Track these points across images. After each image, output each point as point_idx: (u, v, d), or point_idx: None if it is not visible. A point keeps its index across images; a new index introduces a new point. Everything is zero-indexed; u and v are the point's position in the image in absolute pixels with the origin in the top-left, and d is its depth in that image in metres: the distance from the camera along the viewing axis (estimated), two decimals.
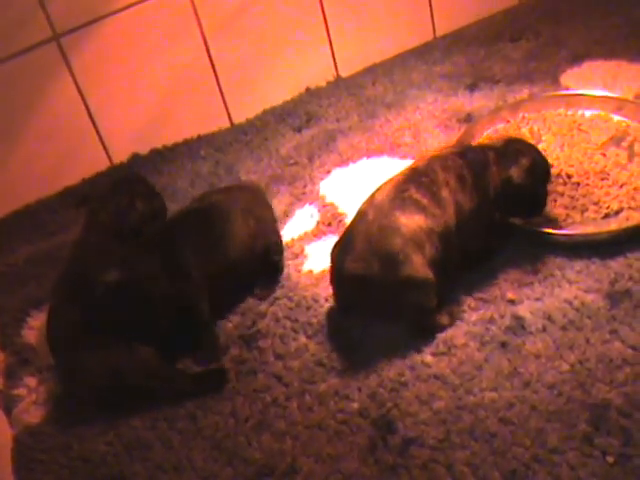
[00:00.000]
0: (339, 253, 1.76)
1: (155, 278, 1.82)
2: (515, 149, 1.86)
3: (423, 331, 1.76)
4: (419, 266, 1.69)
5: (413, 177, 1.79)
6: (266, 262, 2.00)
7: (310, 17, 2.68)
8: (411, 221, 1.71)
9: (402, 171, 1.85)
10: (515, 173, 1.82)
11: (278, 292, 1.95)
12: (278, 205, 2.24)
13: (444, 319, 1.77)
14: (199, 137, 2.67)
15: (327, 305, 1.88)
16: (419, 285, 1.70)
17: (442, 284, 1.75)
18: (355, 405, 1.64)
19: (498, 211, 1.88)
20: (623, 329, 1.63)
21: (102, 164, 2.60)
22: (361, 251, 1.71)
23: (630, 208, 1.91)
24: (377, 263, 1.68)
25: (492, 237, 1.90)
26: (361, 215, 1.77)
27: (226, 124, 2.71)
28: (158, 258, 1.84)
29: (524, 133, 2.21)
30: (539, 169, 1.87)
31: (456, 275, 1.83)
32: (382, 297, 1.73)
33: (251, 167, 2.46)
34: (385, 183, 1.82)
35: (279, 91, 2.73)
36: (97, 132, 2.55)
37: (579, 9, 2.86)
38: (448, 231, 1.76)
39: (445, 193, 1.77)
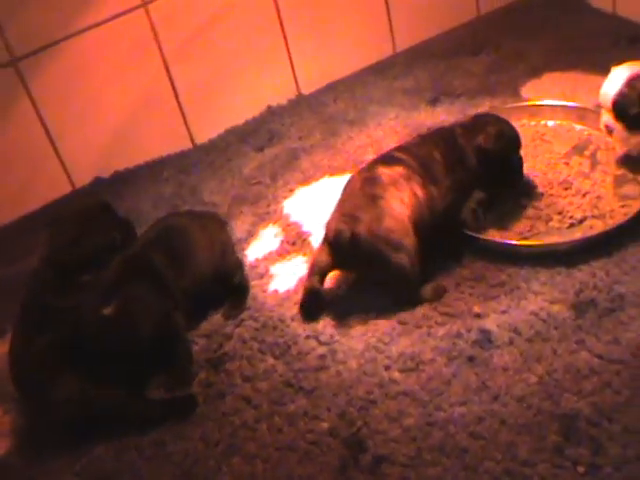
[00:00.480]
0: (330, 221, 1.86)
1: (149, 308, 1.79)
2: (483, 121, 1.99)
3: (406, 303, 1.81)
4: (400, 224, 1.78)
5: (395, 148, 2.00)
6: (229, 285, 1.99)
7: (269, 35, 2.68)
8: (391, 170, 1.85)
9: None
10: (483, 140, 1.93)
11: (244, 313, 1.93)
12: (242, 225, 2.23)
13: (427, 292, 1.82)
14: (161, 159, 2.66)
15: (294, 325, 1.86)
16: (400, 243, 1.77)
17: (423, 253, 1.81)
18: (325, 425, 1.63)
19: (482, 185, 1.95)
20: (589, 339, 1.63)
21: (64, 188, 2.57)
22: (348, 208, 1.82)
23: (593, 217, 1.93)
24: (361, 216, 1.77)
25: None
26: (347, 183, 1.91)
27: (188, 145, 2.70)
28: (145, 286, 1.81)
29: None
30: (507, 136, 1.98)
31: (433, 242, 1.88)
32: (368, 254, 1.78)
33: (214, 188, 2.45)
34: None
35: (241, 110, 2.72)
36: (58, 156, 2.53)
37: (537, 23, 2.89)
38: (428, 183, 1.87)
39: (423, 152, 1.91)
